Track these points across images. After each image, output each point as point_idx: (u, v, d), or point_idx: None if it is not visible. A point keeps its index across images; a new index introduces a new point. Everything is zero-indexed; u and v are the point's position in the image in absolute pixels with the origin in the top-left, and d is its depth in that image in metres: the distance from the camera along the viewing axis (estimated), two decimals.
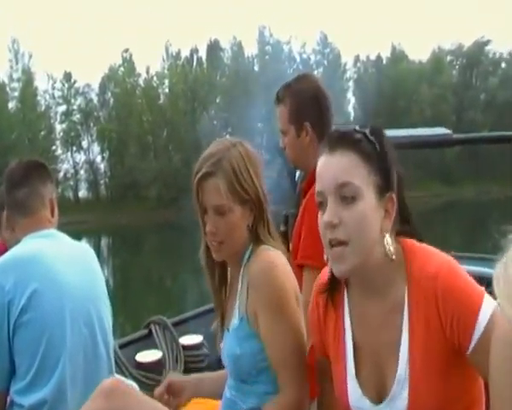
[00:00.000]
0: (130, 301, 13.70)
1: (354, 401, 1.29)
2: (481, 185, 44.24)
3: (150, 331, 3.56)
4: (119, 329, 8.12)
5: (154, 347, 3.44)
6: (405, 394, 1.19)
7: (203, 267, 1.74)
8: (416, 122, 39.10)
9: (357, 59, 60.36)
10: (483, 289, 1.17)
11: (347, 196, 1.18)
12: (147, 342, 3.51)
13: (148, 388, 2.78)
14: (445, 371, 1.17)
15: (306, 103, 2.19)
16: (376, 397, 1.26)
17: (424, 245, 1.26)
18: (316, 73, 56.65)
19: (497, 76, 58.41)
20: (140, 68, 54.08)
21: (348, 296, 1.34)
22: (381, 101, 51.55)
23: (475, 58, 58.44)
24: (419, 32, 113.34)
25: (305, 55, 57.84)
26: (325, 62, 57.66)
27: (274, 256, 1.61)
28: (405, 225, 1.28)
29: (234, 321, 1.66)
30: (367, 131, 1.22)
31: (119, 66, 52.33)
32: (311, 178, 2.10)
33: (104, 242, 31.41)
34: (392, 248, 1.21)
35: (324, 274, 1.40)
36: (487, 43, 59.54)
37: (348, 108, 57.01)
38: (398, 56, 58.97)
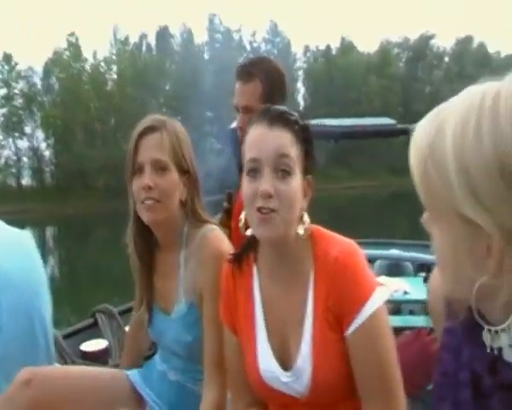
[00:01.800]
0: (77, 291, 13.43)
1: (264, 365, 1.34)
2: None
3: (96, 321, 3.49)
4: (64, 320, 7.95)
5: (100, 336, 3.38)
6: (309, 367, 1.27)
7: (132, 250, 1.69)
8: (365, 112, 39.89)
9: (306, 49, 60.91)
10: (379, 283, 1.26)
11: (284, 170, 1.23)
12: (92, 331, 3.43)
13: None
14: (342, 347, 1.25)
15: (279, 84, 2.23)
16: (284, 366, 1.33)
17: (330, 232, 1.34)
18: None
19: (441, 69, 60.30)
20: (86, 53, 52.83)
21: (258, 269, 1.40)
22: (330, 91, 52.33)
23: (421, 51, 60.14)
24: (367, 25, 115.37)
25: (255, 44, 57.89)
26: (275, 51, 57.80)
27: (220, 237, 1.62)
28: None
29: (179, 307, 1.64)
30: (296, 115, 1.29)
31: (65, 50, 50.69)
32: None
33: (50, 232, 30.55)
34: (307, 227, 1.29)
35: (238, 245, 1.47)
36: (432, 37, 61.42)
37: (298, 97, 57.43)
38: (347, 47, 59.92)
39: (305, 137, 1.29)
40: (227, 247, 1.61)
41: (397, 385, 1.21)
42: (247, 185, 1.25)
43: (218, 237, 1.62)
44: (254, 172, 1.24)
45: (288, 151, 1.24)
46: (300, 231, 1.28)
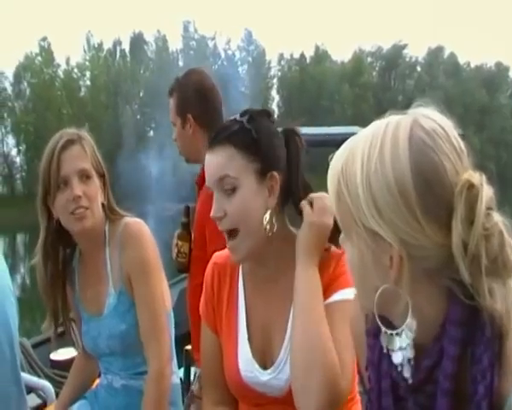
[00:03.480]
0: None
1: (244, 364, 1.36)
2: None
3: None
4: (35, 328, 7.80)
5: (70, 344, 3.32)
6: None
7: (41, 262, 1.69)
8: (338, 121, 40.29)
9: (281, 57, 61.31)
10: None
11: (227, 189, 1.26)
12: (62, 339, 3.37)
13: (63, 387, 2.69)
14: None
15: (189, 96, 2.29)
16: (264, 364, 1.35)
17: None
18: (240, 70, 57.17)
19: (413, 79, 61.35)
20: (59, 59, 52.15)
21: (243, 270, 1.42)
22: (304, 99, 52.70)
23: (393, 61, 61.08)
24: (342, 34, 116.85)
25: (229, 52, 58.03)
26: (250, 59, 58.10)
27: (143, 223, 1.72)
28: (289, 201, 1.36)
29: (109, 302, 1.68)
30: (245, 119, 1.29)
31: (36, 55, 49.99)
32: (203, 172, 2.19)
33: (20, 239, 29.99)
34: (268, 225, 1.28)
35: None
36: (404, 46, 62.49)
37: (273, 105, 57.74)
38: (321, 56, 60.48)
39: (253, 139, 1.27)
40: (147, 228, 1.71)
41: (334, 370, 1.19)
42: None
43: (137, 221, 1.71)
44: (212, 197, 1.30)
45: (227, 170, 1.26)
46: (266, 227, 1.28)
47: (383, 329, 0.85)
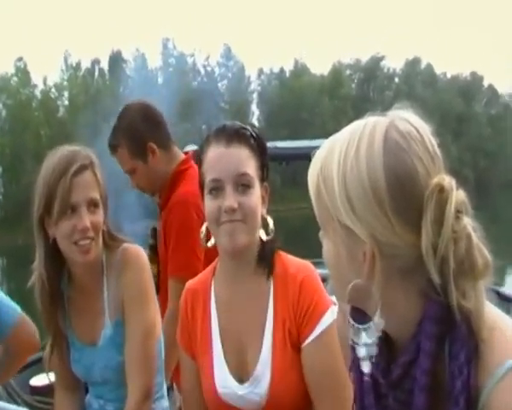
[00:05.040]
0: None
1: (220, 381, 1.40)
2: None
3: None
4: None
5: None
6: (268, 374, 1.35)
7: (41, 289, 1.62)
8: (318, 134, 40.51)
9: (260, 72, 61.64)
10: (332, 301, 1.38)
11: (244, 185, 1.33)
12: (42, 365, 3.27)
13: None
14: (299, 357, 1.36)
15: (141, 128, 2.26)
16: (240, 379, 1.39)
17: (284, 253, 1.45)
18: (220, 85, 57.39)
19: (391, 90, 62.13)
20: (36, 79, 51.77)
21: (215, 285, 1.47)
22: (284, 113, 52.96)
23: (372, 72, 61.84)
24: (320, 47, 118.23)
25: (209, 68, 58.19)
26: (229, 75, 58.27)
27: (141, 250, 1.67)
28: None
29: (105, 332, 1.61)
30: (250, 129, 1.39)
31: (12, 75, 49.49)
32: (167, 193, 2.28)
33: None
34: (272, 228, 1.40)
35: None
36: (382, 58, 63.38)
37: (253, 119, 57.96)
38: (300, 70, 60.90)
39: (261, 148, 1.40)
40: (145, 255, 1.66)
41: (346, 391, 1.25)
42: (210, 203, 1.34)
43: (135, 247, 1.64)
44: (216, 190, 1.33)
45: (247, 168, 1.34)
46: (263, 236, 1.40)
47: (351, 321, 0.88)
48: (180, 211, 2.16)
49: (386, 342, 0.89)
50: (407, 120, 0.84)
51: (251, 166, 1.35)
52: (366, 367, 0.87)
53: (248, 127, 1.39)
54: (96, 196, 1.57)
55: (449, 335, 0.81)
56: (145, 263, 1.63)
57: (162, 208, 2.29)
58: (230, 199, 1.31)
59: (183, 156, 2.37)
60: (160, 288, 2.23)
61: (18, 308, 1.86)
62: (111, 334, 1.60)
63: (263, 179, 1.40)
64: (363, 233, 0.81)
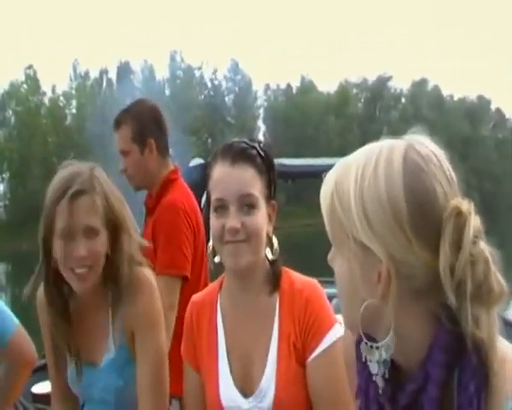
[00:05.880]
0: (30, 331, 12.87)
1: (225, 394, 1.39)
2: None
3: None
4: None
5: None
6: (273, 388, 1.35)
7: (45, 306, 1.57)
8: (323, 151, 40.53)
9: (267, 87, 61.95)
10: (337, 319, 1.37)
11: (248, 205, 1.33)
12: (44, 372, 3.28)
13: None
14: (303, 372, 1.36)
15: (148, 122, 2.37)
16: (245, 393, 1.39)
17: (290, 269, 1.45)
18: (226, 99, 57.62)
19: (397, 110, 62.32)
20: (45, 87, 52.10)
21: (221, 301, 1.48)
22: (290, 129, 53.09)
23: (378, 92, 62.06)
24: (327, 65, 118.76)
25: (216, 82, 58.50)
26: (236, 89, 58.55)
27: (153, 276, 1.59)
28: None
29: (108, 356, 1.57)
30: (257, 145, 1.38)
31: (22, 83, 49.87)
32: (157, 198, 2.34)
33: (2, 268, 29.51)
34: (276, 247, 1.41)
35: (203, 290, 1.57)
36: (389, 78, 63.63)
37: (259, 135, 58.12)
38: (307, 87, 61.18)
39: (268, 166, 1.38)
40: (155, 281, 1.58)
41: (348, 407, 1.24)
42: (214, 221, 1.34)
43: (148, 274, 1.58)
44: (221, 208, 1.33)
45: (252, 189, 1.33)
46: (269, 255, 1.40)
47: (364, 340, 0.88)
48: (169, 214, 2.25)
49: (392, 367, 0.88)
50: (425, 144, 0.85)
51: (256, 187, 1.34)
52: (380, 383, 0.87)
53: (256, 145, 1.38)
54: (94, 223, 1.47)
55: (459, 364, 0.79)
56: (156, 289, 1.56)
57: (151, 213, 2.36)
58: (234, 220, 1.31)
59: (172, 167, 2.48)
60: None
61: (16, 320, 1.85)
62: (113, 357, 1.56)
63: (270, 198, 1.39)
64: (380, 250, 0.80)
